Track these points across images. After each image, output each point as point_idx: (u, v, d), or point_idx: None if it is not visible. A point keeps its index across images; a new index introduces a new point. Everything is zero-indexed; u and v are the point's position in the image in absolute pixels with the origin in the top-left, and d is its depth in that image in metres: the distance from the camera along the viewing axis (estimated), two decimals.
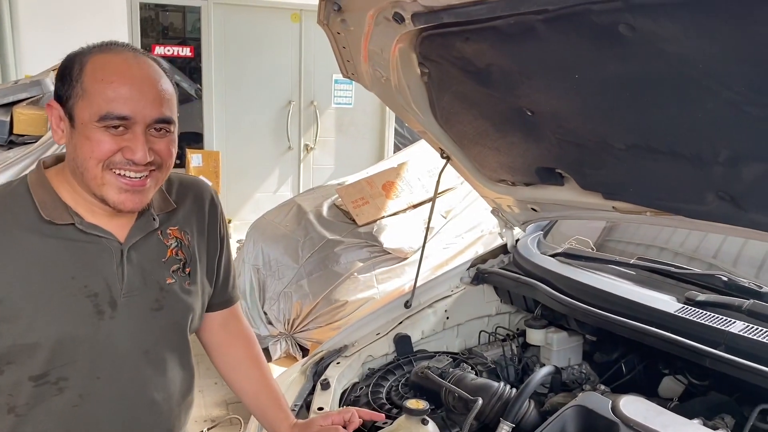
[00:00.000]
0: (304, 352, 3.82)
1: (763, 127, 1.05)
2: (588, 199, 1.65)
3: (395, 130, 6.85)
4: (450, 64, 1.51)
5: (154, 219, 1.26)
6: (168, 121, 1.16)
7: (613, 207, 1.61)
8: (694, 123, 1.15)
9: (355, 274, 3.75)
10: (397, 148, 6.67)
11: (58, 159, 1.23)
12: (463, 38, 1.37)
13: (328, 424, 1.39)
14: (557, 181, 1.70)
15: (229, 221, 6.21)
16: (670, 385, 1.70)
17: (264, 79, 6.25)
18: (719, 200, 1.30)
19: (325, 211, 4.23)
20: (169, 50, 6.01)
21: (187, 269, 1.30)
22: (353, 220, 4.03)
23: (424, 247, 2.02)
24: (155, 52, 5.98)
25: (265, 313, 3.96)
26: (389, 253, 3.79)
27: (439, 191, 4.14)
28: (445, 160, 1.90)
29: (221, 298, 1.46)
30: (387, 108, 6.70)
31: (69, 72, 1.13)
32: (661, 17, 1.01)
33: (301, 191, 6.32)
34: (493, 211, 2.07)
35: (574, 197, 1.69)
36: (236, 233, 6.02)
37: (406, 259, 3.77)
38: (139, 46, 5.92)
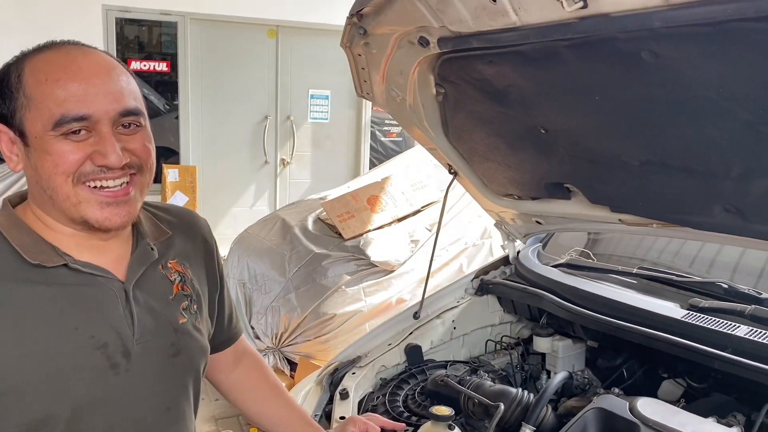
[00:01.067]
0: (292, 366, 3.84)
1: None
2: (595, 212, 1.74)
3: (370, 145, 6.93)
4: (468, 85, 1.59)
5: (152, 249, 1.10)
6: (136, 113, 0.99)
7: (619, 219, 1.70)
8: (710, 141, 1.25)
9: (343, 287, 3.79)
10: (372, 164, 6.73)
11: (23, 197, 1.06)
12: (485, 61, 1.45)
13: (357, 430, 1.42)
14: (564, 195, 1.78)
15: None
16: (670, 388, 1.79)
17: (240, 94, 6.26)
18: (725, 212, 1.40)
19: (310, 225, 4.27)
20: (145, 65, 5.97)
21: (195, 306, 1.16)
22: (339, 234, 4.07)
23: (432, 259, 2.08)
24: (131, 67, 5.93)
25: (252, 328, 3.97)
26: (376, 266, 3.85)
27: (421, 205, 4.24)
28: (452, 176, 1.97)
29: (227, 335, 1.36)
30: (363, 123, 6.81)
31: (6, 84, 0.96)
32: (685, 44, 1.10)
33: (278, 206, 6.33)
34: (496, 224, 2.14)
35: (581, 210, 1.78)
36: None
37: (392, 271, 3.83)
38: None
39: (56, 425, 0.96)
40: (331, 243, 4.07)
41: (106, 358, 0.99)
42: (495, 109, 1.61)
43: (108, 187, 0.98)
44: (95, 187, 0.97)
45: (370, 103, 7.35)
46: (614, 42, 1.18)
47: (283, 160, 6.53)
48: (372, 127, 6.93)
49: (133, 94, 1.00)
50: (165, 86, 6.21)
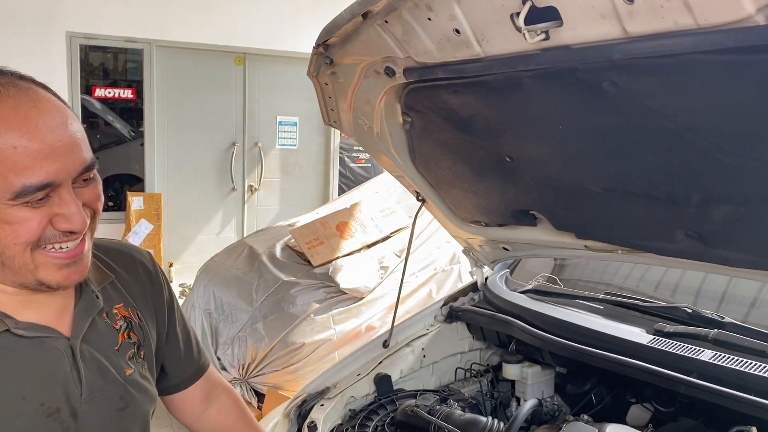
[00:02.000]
0: (260, 397, 3.76)
1: (734, 174, 1.18)
2: (561, 239, 1.76)
3: (339, 171, 6.93)
4: (433, 114, 1.60)
5: (97, 297, 1.05)
6: (93, 166, 0.92)
7: (585, 246, 1.72)
8: (671, 169, 1.27)
9: (312, 315, 3.75)
10: (341, 190, 6.74)
11: None
12: (450, 91, 1.46)
13: None
14: (531, 221, 1.80)
15: (171, 265, 6.08)
16: (638, 413, 1.80)
17: (207, 121, 6.23)
18: (688, 238, 1.42)
19: (278, 252, 4.23)
20: (110, 92, 5.91)
21: (142, 352, 1.11)
22: (308, 261, 4.04)
23: (401, 285, 2.07)
24: (95, 95, 5.87)
25: (219, 359, 3.89)
26: (345, 294, 3.82)
27: (391, 231, 4.24)
28: (420, 203, 1.97)
29: (193, 369, 1.28)
30: (331, 149, 6.82)
31: None
32: (644, 76, 1.13)
33: (245, 233, 6.27)
34: (464, 251, 2.15)
35: (546, 237, 1.79)
36: (178, 277, 5.89)
37: (362, 298, 3.81)
38: (78, 88, 5.73)
39: None
40: (300, 270, 4.03)
41: (59, 424, 0.95)
42: (461, 137, 1.62)
43: (66, 248, 0.92)
44: (52, 249, 0.91)
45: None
46: (576, 72, 1.20)
47: (250, 186, 6.50)
48: (341, 153, 6.95)
49: (85, 142, 0.92)
50: (130, 113, 6.15)
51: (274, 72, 6.41)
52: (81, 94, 5.69)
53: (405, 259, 1.98)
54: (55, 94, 0.93)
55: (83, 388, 0.98)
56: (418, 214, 2.01)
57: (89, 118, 5.90)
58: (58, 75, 5.36)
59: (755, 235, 1.29)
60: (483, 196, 1.81)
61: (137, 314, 1.12)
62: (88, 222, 0.92)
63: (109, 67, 6.12)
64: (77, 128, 0.91)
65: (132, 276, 1.15)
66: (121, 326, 1.07)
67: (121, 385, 1.04)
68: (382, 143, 1.79)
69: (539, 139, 1.46)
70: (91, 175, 0.94)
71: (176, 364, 1.24)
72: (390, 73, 1.48)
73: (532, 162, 1.55)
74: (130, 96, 5.99)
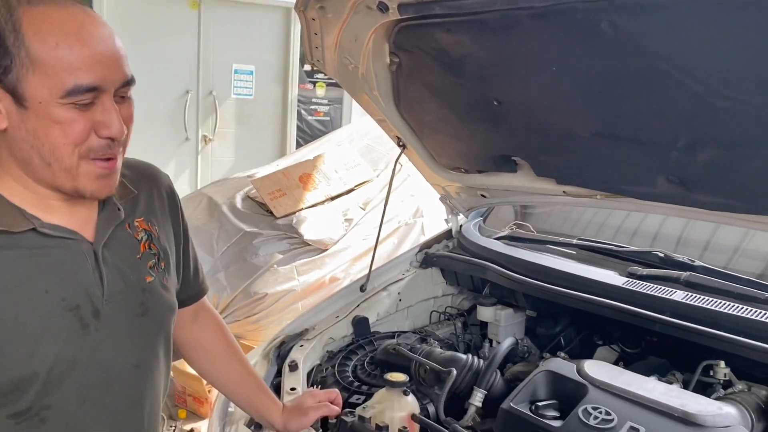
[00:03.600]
0: None
1: (722, 117, 1.22)
2: (540, 185, 1.79)
3: (297, 125, 6.83)
4: (423, 54, 1.59)
5: (118, 209, 1.10)
6: (131, 82, 0.99)
7: (564, 191, 1.76)
8: (660, 112, 1.31)
9: (275, 266, 3.73)
10: (298, 143, 6.64)
11: None
12: (444, 29, 1.45)
13: (316, 403, 1.41)
14: (511, 168, 1.83)
15: None
16: (605, 354, 1.88)
17: (160, 67, 5.99)
18: (668, 183, 1.47)
19: (239, 203, 4.17)
20: None
21: (162, 263, 1.16)
22: (270, 212, 4.00)
23: (380, 232, 2.08)
24: None
25: None
26: (309, 245, 3.81)
27: (355, 184, 4.23)
28: (401, 148, 1.97)
29: (194, 290, 1.34)
30: (289, 101, 6.69)
31: None
32: (644, 15, 1.15)
33: (199, 184, 6.14)
34: (441, 198, 2.17)
35: (526, 183, 1.83)
36: None
37: (326, 250, 3.81)
38: None
39: (32, 385, 0.97)
40: (262, 221, 3.99)
41: (78, 320, 1.00)
42: (449, 79, 1.62)
43: (105, 159, 0.98)
44: (95, 159, 0.97)
45: (297, 80, 7.19)
46: (575, 13, 1.21)
47: (204, 136, 6.33)
48: (298, 105, 6.82)
49: (127, 60, 0.98)
50: None
51: (231, 17, 6.19)
52: None
53: (385, 203, 1.99)
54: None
55: (105, 290, 1.03)
56: (398, 160, 2.01)
57: None
58: None
59: (735, 178, 1.34)
60: (466, 141, 1.83)
61: (156, 230, 1.16)
62: (125, 132, 0.98)
63: None
64: (121, 45, 0.98)
65: (154, 193, 1.19)
66: (142, 237, 1.13)
67: (141, 291, 1.09)
68: (366, 84, 1.77)
69: (531, 82, 1.47)
70: (129, 93, 1.00)
71: (185, 282, 1.29)
72: (383, 8, 1.45)
73: (520, 106, 1.57)
74: None
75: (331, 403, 1.43)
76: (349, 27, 1.59)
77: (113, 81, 0.95)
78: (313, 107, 6.91)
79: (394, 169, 2.00)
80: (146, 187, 1.18)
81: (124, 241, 1.09)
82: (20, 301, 0.96)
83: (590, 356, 1.88)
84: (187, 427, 3.19)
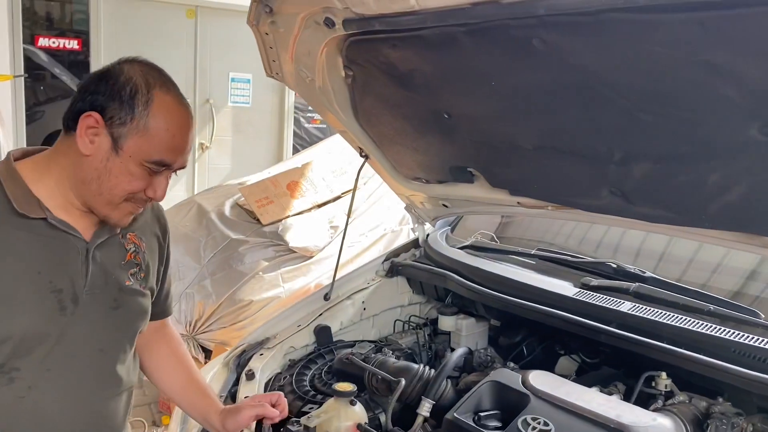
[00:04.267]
0: (207, 353, 3.78)
1: (651, 131, 1.24)
2: (496, 196, 1.81)
3: (294, 132, 6.87)
4: (374, 68, 1.61)
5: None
6: (184, 167, 1.27)
7: (518, 202, 1.77)
8: (594, 126, 1.32)
9: (260, 273, 3.76)
10: (295, 150, 6.69)
11: (26, 153, 1.25)
12: (389, 45, 1.48)
13: (254, 403, 1.43)
14: (468, 178, 1.84)
15: None
16: (566, 364, 1.89)
17: None
18: (612, 195, 1.49)
19: (227, 210, 4.20)
20: (54, 42, 5.69)
21: (142, 274, 1.34)
22: (257, 220, 4.03)
23: (343, 240, 2.11)
24: (39, 44, 5.66)
25: None
26: (295, 252, 3.84)
27: (342, 192, 4.26)
28: (363, 159, 2.00)
29: (161, 308, 1.50)
30: (286, 109, 6.74)
31: (131, 98, 1.14)
32: (569, 33, 1.17)
33: (196, 191, 6.19)
34: (406, 207, 2.19)
35: (483, 194, 1.84)
36: None
37: (311, 257, 3.83)
38: (20, 37, 5.49)
39: (5, 345, 1.15)
40: (249, 229, 4.03)
41: (58, 301, 1.19)
42: (401, 93, 1.64)
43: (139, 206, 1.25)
44: (132, 202, 1.22)
45: None
46: (507, 29, 1.23)
47: (201, 144, 6.40)
48: (296, 113, 6.88)
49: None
50: (77, 66, 5.94)
51: (227, 26, 6.26)
52: (24, 43, 5.47)
53: (348, 212, 2.01)
54: None
55: (87, 282, 1.23)
56: (361, 171, 2.03)
57: (34, 70, 5.68)
58: None
59: (670, 192, 1.36)
60: (423, 152, 1.85)
61: (144, 246, 1.36)
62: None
63: (54, 16, 5.88)
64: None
65: (147, 217, 1.40)
66: (130, 248, 1.33)
67: (118, 290, 1.29)
68: (325, 97, 1.80)
69: (474, 96, 1.49)
70: (176, 173, 1.26)
71: (156, 299, 1.44)
72: (330, 24, 1.48)
73: (468, 119, 1.59)
74: (77, 47, 5.78)
75: (274, 405, 1.44)
76: (301, 41, 1.62)
77: (179, 165, 1.23)
78: (310, 114, 6.97)
79: (356, 179, 2.03)
80: (148, 212, 1.39)
81: (114, 248, 1.29)
82: (18, 275, 1.15)
83: (553, 366, 1.89)
84: None
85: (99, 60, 5.74)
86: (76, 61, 5.93)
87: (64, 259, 1.21)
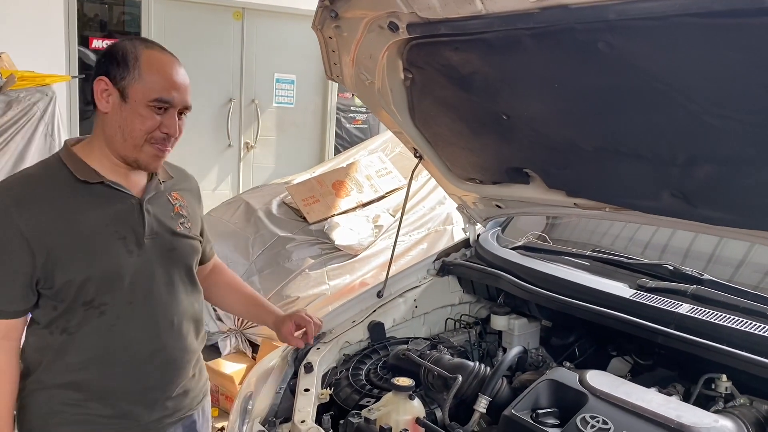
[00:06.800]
0: (254, 348, 3.87)
1: (717, 134, 1.24)
2: (552, 197, 1.83)
3: (335, 132, 6.94)
4: (435, 71, 1.65)
5: (160, 183, 1.60)
6: (188, 108, 1.51)
7: (574, 203, 1.79)
8: (658, 129, 1.33)
9: (307, 270, 3.84)
10: (337, 150, 6.76)
11: (79, 140, 1.55)
12: (452, 48, 1.51)
13: (290, 334, 1.81)
14: (524, 179, 1.86)
15: None
16: (618, 365, 1.89)
17: (204, 77, 6.19)
18: (672, 198, 1.49)
19: (274, 208, 4.29)
20: (106, 44, 5.86)
21: (189, 223, 1.65)
22: (304, 218, 4.11)
23: (396, 240, 2.15)
24: (92, 46, 5.83)
25: (215, 310, 3.98)
26: (340, 250, 3.90)
27: (386, 191, 4.30)
28: (418, 159, 2.03)
29: (206, 254, 1.84)
30: (328, 109, 6.82)
31: (125, 58, 1.43)
32: (637, 37, 1.18)
33: (241, 190, 6.31)
34: (458, 208, 2.22)
35: (538, 195, 1.86)
36: None
37: (356, 255, 3.89)
38: (75, 39, 5.62)
39: (91, 283, 1.45)
40: (296, 227, 4.11)
41: (125, 246, 1.49)
42: (460, 95, 1.67)
43: (161, 146, 1.47)
44: (155, 144, 1.46)
45: (336, 89, 7.31)
46: (573, 32, 1.25)
47: (247, 143, 6.51)
48: (337, 113, 6.94)
49: (190, 93, 1.49)
50: None
51: (273, 28, 6.36)
52: (78, 45, 5.65)
53: (401, 213, 2.05)
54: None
55: (145, 230, 1.52)
56: (415, 171, 2.06)
57: (86, 70, 5.86)
58: (55, 25, 5.32)
59: (734, 194, 1.36)
60: (479, 153, 1.87)
61: (186, 202, 1.67)
62: (177, 134, 1.48)
63: (105, 18, 6.05)
64: (189, 82, 1.50)
65: (186, 185, 1.73)
66: (176, 203, 1.64)
67: (172, 235, 1.59)
68: (383, 99, 1.84)
69: (535, 98, 1.51)
70: (184, 115, 1.50)
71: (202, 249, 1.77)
72: (393, 28, 1.52)
73: (527, 120, 1.61)
74: None
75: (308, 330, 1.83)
76: (363, 45, 1.66)
77: (180, 102, 1.46)
78: (351, 115, 7.02)
79: (410, 179, 2.06)
80: (183, 178, 1.73)
81: (163, 202, 1.60)
82: (89, 228, 1.44)
83: (604, 367, 1.90)
84: (219, 425, 3.31)
85: None
86: None
87: (124, 214, 1.50)
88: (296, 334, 1.84)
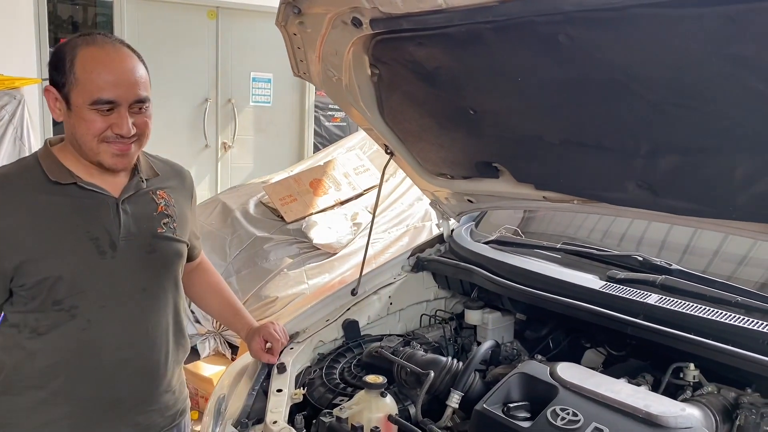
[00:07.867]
0: (233, 349, 3.84)
1: (678, 124, 1.25)
2: (521, 190, 1.83)
3: (314, 130, 6.92)
4: (401, 66, 1.64)
5: (142, 181, 1.55)
6: (144, 101, 1.43)
7: (543, 197, 1.79)
8: (620, 120, 1.34)
9: (285, 270, 3.82)
10: (316, 148, 6.73)
11: (61, 139, 1.52)
12: (416, 43, 1.50)
13: (259, 348, 1.79)
14: (493, 174, 1.86)
15: None
16: (592, 357, 1.90)
17: (179, 77, 6.15)
18: (638, 188, 1.50)
19: (251, 208, 4.27)
20: None
21: (175, 224, 1.59)
22: (281, 217, 4.09)
23: (369, 237, 2.14)
24: None
25: (192, 312, 3.95)
26: (319, 249, 3.89)
27: (364, 189, 4.30)
28: (389, 155, 2.02)
29: (195, 252, 1.81)
30: (306, 107, 6.79)
31: (62, 63, 1.38)
32: (595, 28, 1.18)
33: (219, 190, 6.27)
34: (431, 203, 2.21)
35: (508, 188, 1.86)
36: None
37: (335, 254, 3.88)
38: (46, 41, 5.56)
39: (61, 283, 1.42)
40: (273, 226, 4.09)
41: (96, 247, 1.45)
42: (427, 90, 1.66)
43: (119, 144, 1.42)
44: (110, 143, 1.41)
45: (314, 87, 7.29)
46: (533, 25, 1.25)
47: (224, 143, 6.47)
48: (316, 111, 6.92)
49: (144, 84, 1.42)
50: None
51: (248, 27, 6.32)
52: (49, 46, 5.57)
53: (374, 208, 2.04)
54: (132, 50, 1.45)
55: (120, 230, 1.48)
56: (386, 168, 2.06)
57: None
58: (24, 27, 5.24)
59: (696, 184, 1.36)
60: (448, 148, 1.87)
61: (174, 201, 1.61)
62: (133, 132, 1.41)
63: (78, 19, 5.98)
64: (141, 73, 1.42)
65: (179, 181, 1.68)
66: (161, 202, 1.57)
67: (152, 236, 1.53)
68: (351, 95, 1.83)
69: (500, 92, 1.51)
70: (143, 108, 1.43)
71: (190, 246, 1.72)
72: (357, 23, 1.51)
73: (493, 114, 1.61)
74: None
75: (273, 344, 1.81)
76: (328, 41, 1.65)
77: (127, 98, 1.39)
78: (330, 113, 7.00)
79: (382, 176, 2.05)
80: (174, 176, 1.67)
81: (146, 202, 1.55)
82: (59, 228, 1.42)
83: (578, 359, 1.91)
84: (198, 427, 3.28)
85: None
86: None
87: (97, 214, 1.46)
88: (266, 348, 1.80)
